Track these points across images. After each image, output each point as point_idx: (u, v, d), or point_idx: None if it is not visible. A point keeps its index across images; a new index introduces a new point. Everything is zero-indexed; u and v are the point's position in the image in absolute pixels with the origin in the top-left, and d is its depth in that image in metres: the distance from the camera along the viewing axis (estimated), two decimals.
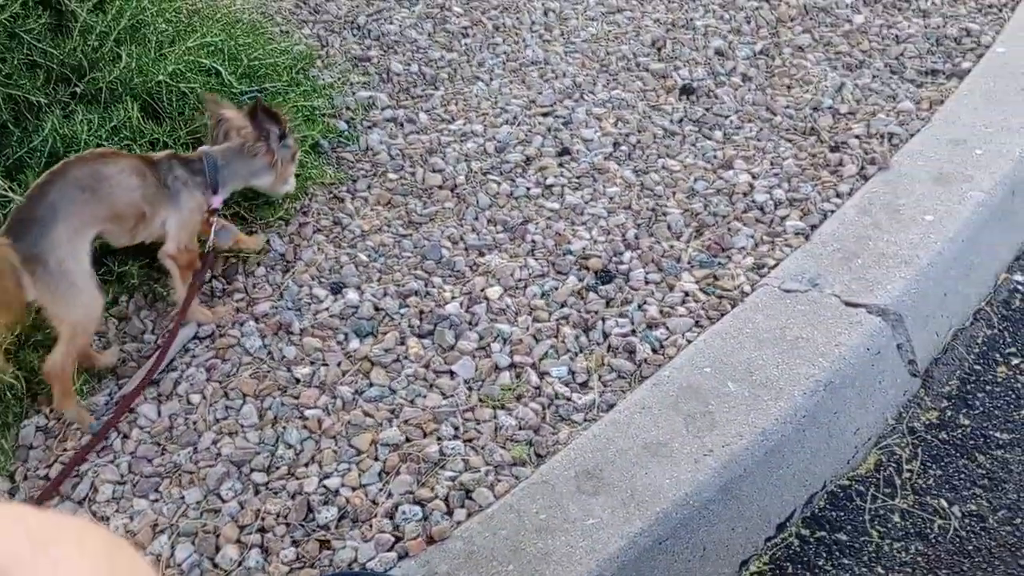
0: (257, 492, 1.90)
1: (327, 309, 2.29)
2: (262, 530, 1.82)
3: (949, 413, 2.10)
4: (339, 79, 3.06)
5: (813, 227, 2.37)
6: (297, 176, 2.46)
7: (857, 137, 2.63)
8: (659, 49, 3.11)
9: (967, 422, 2.07)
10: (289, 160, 2.34)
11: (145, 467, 1.97)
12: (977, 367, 2.18)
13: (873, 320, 2.08)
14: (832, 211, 2.40)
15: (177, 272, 2.21)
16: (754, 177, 2.55)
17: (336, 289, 2.35)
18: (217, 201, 2.23)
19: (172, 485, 1.93)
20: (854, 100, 2.79)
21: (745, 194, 2.50)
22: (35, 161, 2.23)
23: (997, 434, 2.04)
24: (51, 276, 1.93)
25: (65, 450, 2.02)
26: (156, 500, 1.90)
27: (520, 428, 1.98)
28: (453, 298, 2.29)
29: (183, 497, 1.90)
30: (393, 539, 1.78)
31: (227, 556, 1.78)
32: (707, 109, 2.83)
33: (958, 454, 2.01)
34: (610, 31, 3.24)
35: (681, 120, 2.81)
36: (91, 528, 0.58)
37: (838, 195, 2.46)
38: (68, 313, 1.99)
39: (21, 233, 1.91)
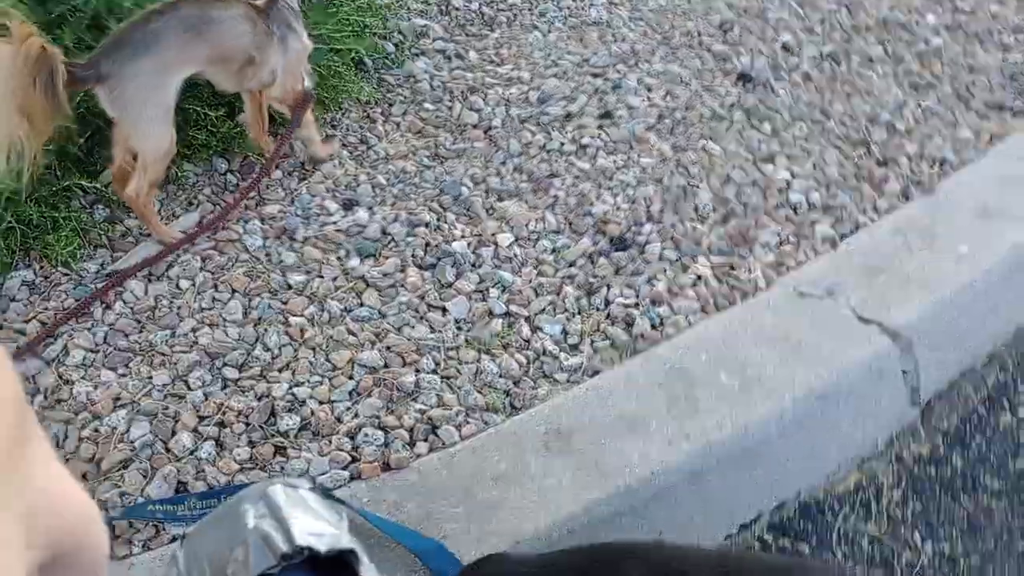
0: (225, 387, 1.87)
1: (334, 223, 2.25)
2: (221, 424, 1.79)
3: (942, 450, 2.02)
4: (397, 1, 3.00)
5: (843, 236, 2.29)
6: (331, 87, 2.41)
7: (908, 156, 2.54)
8: (725, 32, 3.02)
9: (959, 462, 2.00)
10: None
11: (120, 341, 1.94)
12: (981, 409, 2.10)
13: (883, 340, 2.00)
14: (866, 224, 2.32)
15: (293, 113, 2.30)
16: (793, 176, 2.47)
17: (348, 205, 2.30)
18: (308, 42, 2.26)
19: (143, 363, 1.90)
20: (913, 119, 2.69)
21: (780, 191, 2.42)
22: (77, 18, 2.19)
23: (988, 480, 1.96)
24: (127, 101, 1.94)
25: (46, 309, 2.00)
26: (124, 375, 1.88)
27: (501, 376, 1.93)
28: (462, 237, 2.24)
29: (151, 377, 1.87)
30: (349, 459, 1.75)
31: (181, 442, 1.75)
32: (760, 100, 2.74)
33: (943, 492, 1.94)
34: (679, 5, 3.15)
35: (732, 106, 2.72)
36: None
37: (875, 210, 2.37)
38: (138, 142, 2.01)
39: (112, 51, 1.90)
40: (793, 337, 2.00)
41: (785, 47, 2.97)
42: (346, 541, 0.75)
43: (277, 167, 2.39)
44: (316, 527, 0.75)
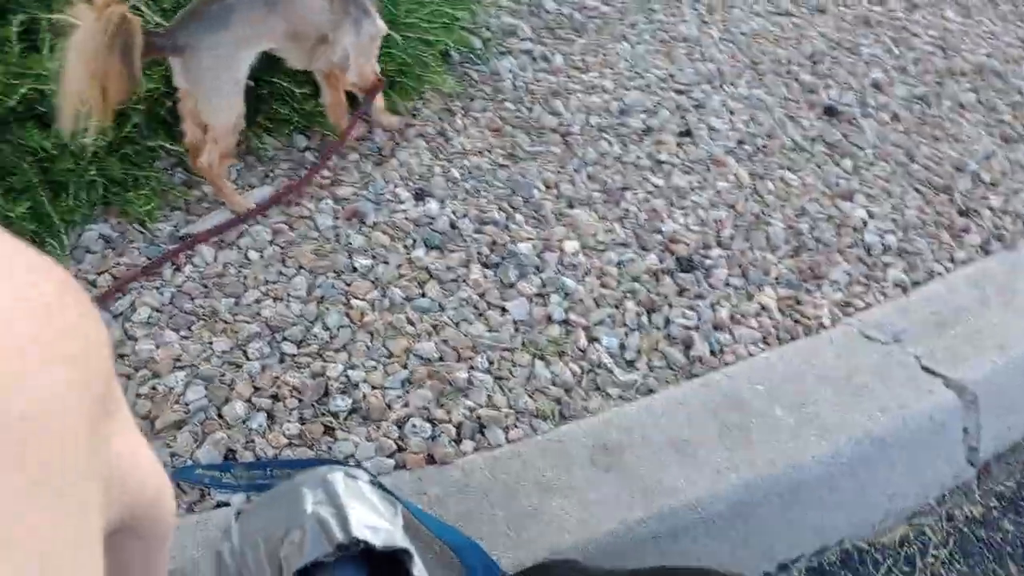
0: (282, 361, 1.89)
1: (405, 211, 2.26)
2: (275, 397, 1.81)
3: (995, 513, 1.97)
4: None
5: (915, 284, 2.24)
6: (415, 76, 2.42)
7: (991, 209, 2.47)
8: (815, 63, 2.97)
9: (1011, 528, 1.94)
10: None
11: (186, 303, 1.98)
12: None
13: (947, 394, 1.96)
14: (941, 274, 2.27)
15: (363, 95, 2.35)
16: (870, 216, 2.42)
17: (420, 195, 2.31)
18: (382, 24, 2.27)
19: (204, 329, 1.93)
20: (1000, 172, 2.62)
21: (856, 230, 2.37)
22: None
23: None
24: (201, 72, 1.98)
25: (119, 264, 2.04)
26: (186, 337, 1.91)
27: (553, 384, 1.92)
28: (529, 239, 2.23)
29: (211, 343, 1.90)
30: (396, 447, 1.75)
31: (234, 411, 1.77)
32: (845, 135, 2.69)
33: (991, 556, 1.89)
34: (772, 31, 3.11)
35: (815, 139, 2.68)
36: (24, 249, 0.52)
37: (952, 260, 2.31)
38: (208, 115, 2.04)
39: (188, 22, 1.95)
40: (854, 379, 1.96)
41: (875, 84, 2.91)
42: (400, 539, 0.75)
43: (354, 149, 2.41)
44: (373, 520, 0.75)
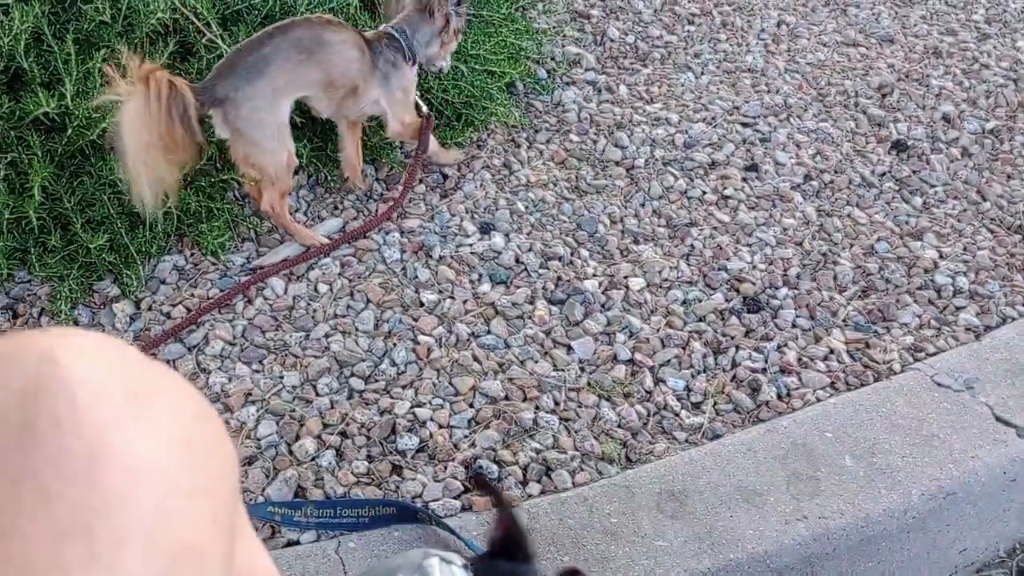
0: (351, 397, 1.91)
1: (471, 245, 2.28)
2: (343, 434, 1.84)
3: None
4: (553, 28, 3.02)
5: (987, 328, 2.19)
6: (480, 107, 2.44)
7: None
8: (884, 96, 2.94)
9: None
10: (455, 32, 2.32)
11: (257, 337, 2.01)
12: None
13: (1020, 444, 1.91)
14: (1014, 318, 2.22)
15: (410, 142, 2.40)
16: (942, 256, 2.38)
17: (485, 229, 2.33)
18: (415, 70, 2.28)
19: (276, 362, 1.96)
20: None
21: (927, 271, 2.34)
22: (252, 17, 2.27)
23: None
24: (244, 123, 2.01)
25: (193, 295, 2.08)
26: (257, 371, 1.94)
27: (619, 426, 1.92)
28: (594, 275, 2.23)
29: (282, 377, 1.93)
30: (463, 488, 1.76)
31: (304, 447, 1.80)
32: (914, 171, 2.65)
33: None
34: (839, 62, 3.07)
35: (884, 175, 2.64)
36: (190, 392, 0.56)
37: None
38: (259, 159, 2.07)
39: (227, 74, 1.98)
40: (925, 429, 1.93)
41: (945, 118, 2.87)
42: None
43: (421, 181, 2.43)
44: None
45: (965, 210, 2.54)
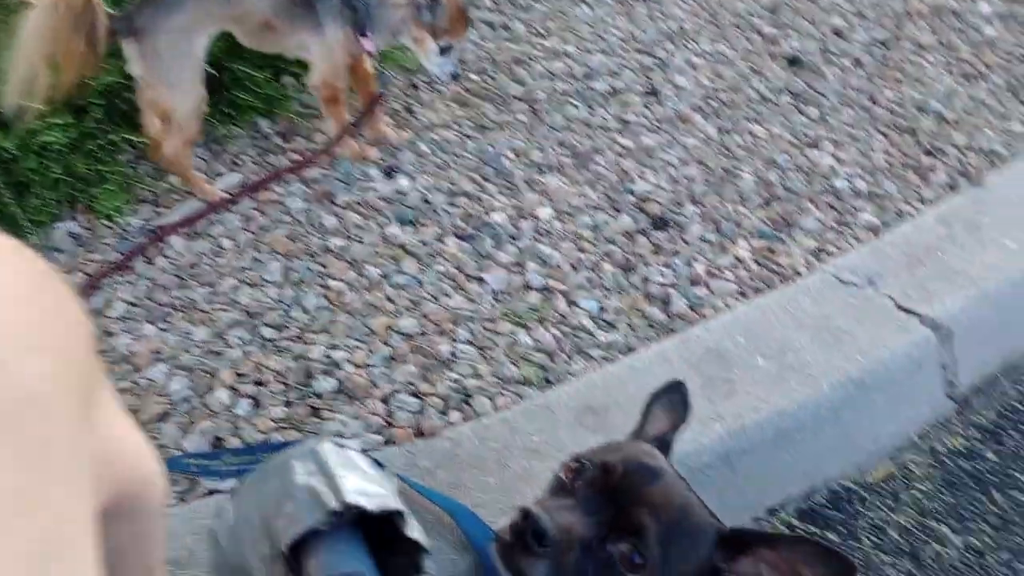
0: (263, 346, 1.89)
1: (376, 189, 2.25)
2: (258, 383, 1.81)
3: (977, 444, 2.00)
4: None
5: (886, 225, 2.26)
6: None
7: (956, 146, 2.50)
8: (775, 14, 2.98)
9: (993, 457, 1.98)
10: (429, 27, 2.17)
11: (162, 296, 1.97)
12: (1018, 406, 2.08)
13: (923, 331, 1.98)
14: (910, 214, 2.29)
15: (322, 104, 2.27)
16: (839, 162, 2.44)
17: (389, 172, 2.30)
18: (368, 45, 2.17)
19: (183, 319, 1.92)
20: (963, 110, 2.65)
21: (825, 177, 2.39)
22: None
23: (1021, 476, 1.94)
24: (157, 58, 1.96)
25: (91, 261, 2.03)
26: (164, 329, 1.90)
27: (536, 350, 1.93)
28: (502, 209, 2.23)
29: (190, 333, 1.89)
30: (383, 424, 1.76)
31: (218, 399, 1.77)
32: (809, 84, 2.70)
33: (975, 486, 1.92)
34: None
35: (780, 90, 2.69)
36: (31, 257, 0.54)
37: (921, 200, 2.34)
38: (169, 100, 2.02)
39: (144, 6, 1.93)
40: (832, 324, 1.98)
41: (836, 31, 2.92)
42: (394, 502, 0.75)
43: (320, 131, 2.40)
44: (365, 486, 0.76)
45: (859, 117, 2.60)
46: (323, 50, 2.16)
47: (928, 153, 2.49)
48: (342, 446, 0.82)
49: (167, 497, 0.66)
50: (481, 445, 1.72)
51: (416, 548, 0.77)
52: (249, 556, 0.78)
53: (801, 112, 2.61)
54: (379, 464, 0.83)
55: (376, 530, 0.77)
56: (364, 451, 0.83)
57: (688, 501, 1.07)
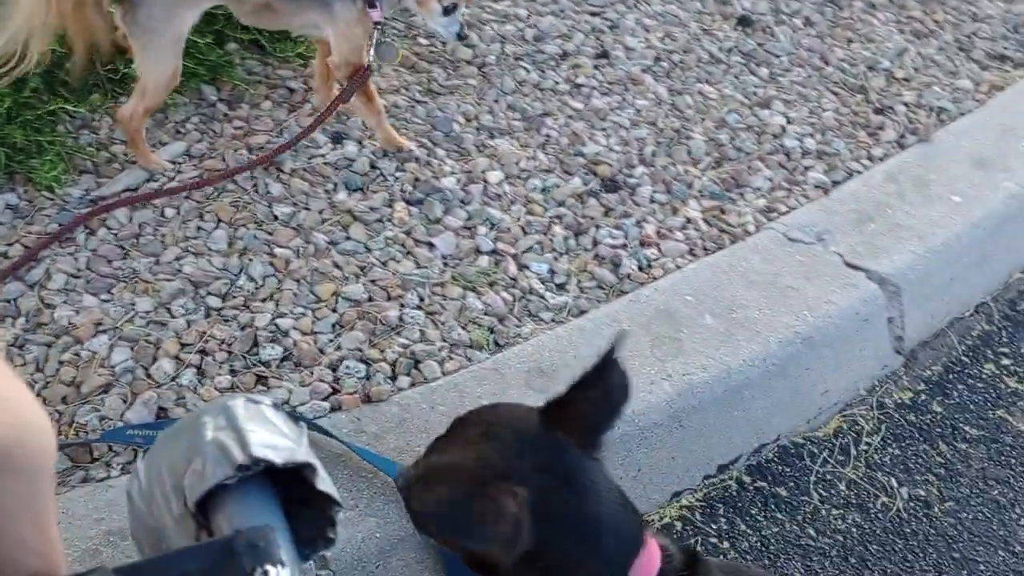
0: (208, 315, 1.86)
1: (323, 155, 2.22)
2: (203, 352, 1.79)
3: (923, 397, 2.03)
4: None
5: (835, 183, 2.27)
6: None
7: (905, 104, 2.51)
8: None
9: (939, 410, 2.00)
10: None
11: (103, 267, 1.93)
12: (965, 359, 2.10)
13: (870, 286, 2.00)
14: (860, 172, 2.30)
15: (345, 83, 2.16)
16: (789, 121, 2.44)
17: (337, 138, 2.27)
18: (375, 15, 2.08)
19: (125, 290, 1.89)
20: (912, 67, 2.66)
21: (775, 136, 2.39)
22: None
23: (967, 428, 1.97)
24: (137, 26, 1.93)
25: (29, 233, 1.98)
26: (106, 300, 1.87)
27: (486, 313, 1.92)
28: (452, 173, 2.21)
29: (133, 304, 1.86)
30: (330, 390, 1.74)
31: (162, 369, 1.75)
32: (760, 44, 2.70)
33: (921, 439, 1.95)
34: None
35: (730, 50, 2.68)
36: None
37: (870, 158, 2.35)
38: (142, 67, 1.99)
39: None
40: (780, 282, 1.99)
41: None
42: (303, 455, 0.74)
43: (266, 97, 2.36)
44: (273, 440, 0.74)
45: (810, 76, 2.60)
46: (337, 27, 2.08)
47: (878, 111, 2.49)
48: (256, 402, 0.80)
49: (55, 448, 0.65)
50: (430, 410, 1.71)
51: (329, 501, 0.76)
52: (162, 515, 0.76)
53: (752, 72, 2.61)
54: (294, 418, 0.82)
55: (289, 484, 0.76)
56: (277, 405, 0.82)
57: None
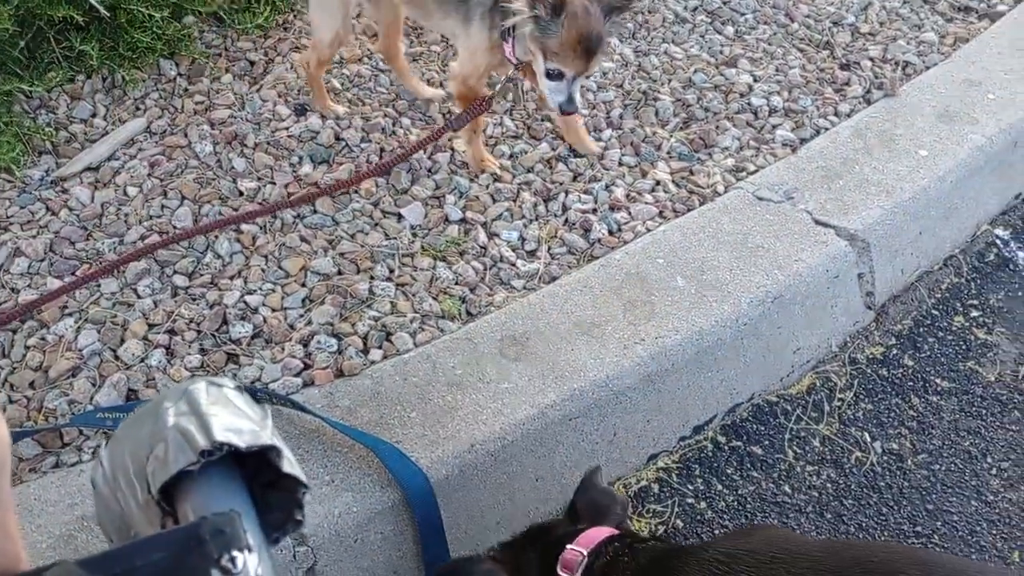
0: (175, 295, 1.84)
1: (287, 129, 2.19)
2: (172, 332, 1.77)
3: (895, 351, 2.04)
4: None
5: (803, 141, 2.26)
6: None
7: (871, 59, 2.50)
8: None
9: (911, 363, 2.02)
10: (540, 44, 1.84)
11: (67, 249, 1.90)
12: (935, 312, 2.12)
13: (839, 243, 2.00)
14: (827, 128, 2.29)
15: (455, 101, 2.12)
16: (755, 80, 2.43)
17: (300, 111, 2.24)
18: (507, 50, 1.93)
19: (90, 271, 1.86)
20: (878, 22, 2.65)
21: (742, 95, 2.38)
22: None
23: (938, 380, 1.99)
24: None
25: None
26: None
27: (456, 283, 1.91)
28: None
29: (99, 285, 1.84)
30: (302, 366, 1.73)
31: (130, 350, 1.73)
32: (725, 2, 2.68)
33: (893, 392, 1.97)
34: None
35: (695, 8, 2.66)
36: None
37: (836, 114, 2.34)
38: (312, 25, 2.22)
39: None
40: (750, 241, 1.99)
41: None
42: (267, 438, 0.73)
43: (227, 71, 2.32)
44: (237, 424, 0.73)
45: (775, 33, 2.59)
46: (467, 44, 2.02)
47: (844, 67, 2.49)
48: (218, 385, 0.79)
49: (6, 439, 0.63)
50: (403, 381, 1.70)
51: (296, 483, 0.75)
52: (127, 503, 0.75)
53: (718, 31, 2.59)
54: (256, 400, 0.81)
55: (255, 468, 0.76)
56: (240, 387, 0.81)
57: None
